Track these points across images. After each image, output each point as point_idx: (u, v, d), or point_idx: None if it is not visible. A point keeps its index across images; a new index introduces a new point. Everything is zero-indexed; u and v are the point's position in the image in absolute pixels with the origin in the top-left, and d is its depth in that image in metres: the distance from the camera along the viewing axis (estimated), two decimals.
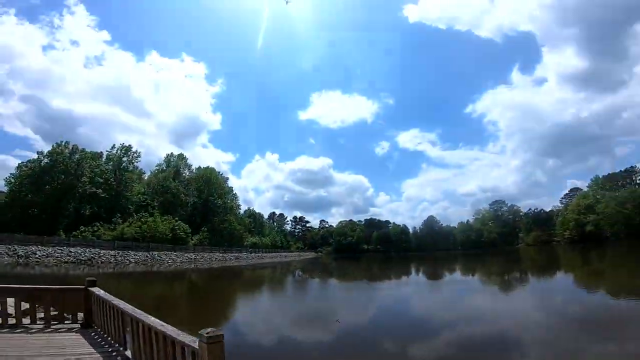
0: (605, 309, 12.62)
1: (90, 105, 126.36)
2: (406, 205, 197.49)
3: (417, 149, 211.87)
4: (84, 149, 44.58)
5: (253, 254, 66.04)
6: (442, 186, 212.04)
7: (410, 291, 23.71)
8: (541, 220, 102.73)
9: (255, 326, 12.47)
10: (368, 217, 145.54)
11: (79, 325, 5.46)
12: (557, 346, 8.46)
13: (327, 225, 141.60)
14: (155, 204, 48.84)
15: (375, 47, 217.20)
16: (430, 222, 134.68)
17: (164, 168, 58.92)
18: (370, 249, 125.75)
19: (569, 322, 11.10)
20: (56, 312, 5.59)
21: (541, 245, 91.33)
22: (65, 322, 5.53)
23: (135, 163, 51.25)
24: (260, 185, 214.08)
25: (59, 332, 5.17)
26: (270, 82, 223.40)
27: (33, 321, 5.33)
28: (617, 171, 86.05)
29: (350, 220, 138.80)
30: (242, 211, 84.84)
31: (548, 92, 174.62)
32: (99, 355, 4.33)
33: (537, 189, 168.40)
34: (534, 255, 64.03)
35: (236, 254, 58.31)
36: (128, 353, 4.37)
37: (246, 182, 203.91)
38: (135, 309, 4.18)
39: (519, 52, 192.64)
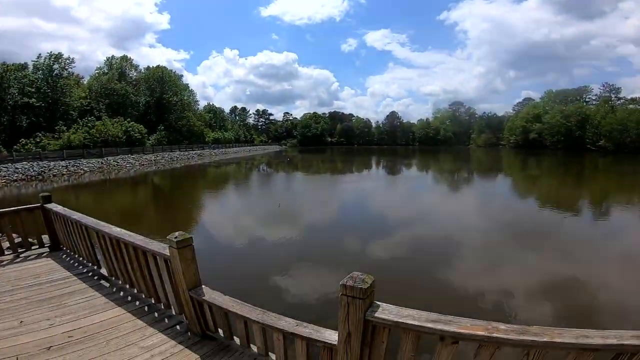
0: (532, 218, 14.82)
1: (1, 20, 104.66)
2: (370, 100, 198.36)
3: (385, 49, 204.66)
4: (4, 62, 37.77)
5: (216, 150, 65.13)
6: (407, 85, 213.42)
7: (371, 186, 25.88)
8: (493, 124, 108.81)
9: (224, 227, 13.23)
10: (332, 110, 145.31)
11: (47, 249, 5.26)
12: (486, 251, 10.11)
13: (291, 118, 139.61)
14: (102, 107, 44.42)
15: None
16: (393, 117, 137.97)
17: (106, 71, 52.90)
18: (334, 142, 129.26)
19: (501, 228, 13.12)
20: (20, 239, 5.33)
21: (489, 147, 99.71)
22: (33, 247, 5.31)
23: (69, 69, 44.64)
24: (219, 81, 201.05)
25: (29, 259, 4.97)
26: None
27: (0, 252, 5.08)
28: (570, 88, 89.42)
29: (315, 112, 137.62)
30: (201, 107, 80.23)
31: (525, 11, 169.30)
32: (75, 277, 4.28)
33: (494, 95, 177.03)
34: (481, 156, 70.18)
35: (198, 151, 57.08)
36: (104, 271, 4.34)
37: (204, 79, 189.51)
38: (99, 222, 4.00)
39: None
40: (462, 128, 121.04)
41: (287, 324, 2.43)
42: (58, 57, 42.72)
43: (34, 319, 3.36)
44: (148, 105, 54.71)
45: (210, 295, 2.93)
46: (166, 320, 3.46)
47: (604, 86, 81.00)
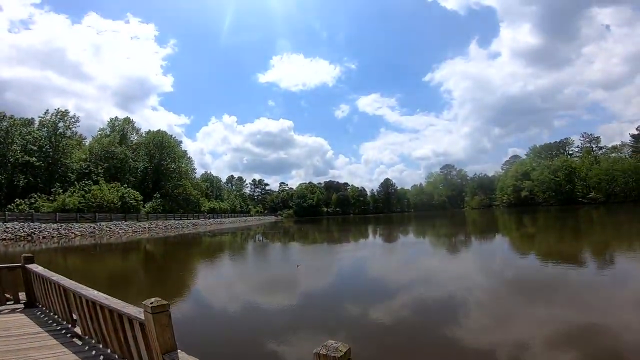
0: (535, 271, 14.35)
1: (16, 69, 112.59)
2: (364, 167, 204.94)
3: (376, 113, 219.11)
4: (12, 115, 39.37)
5: (211, 220, 64.83)
6: (399, 150, 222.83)
7: (368, 254, 25.19)
8: (484, 185, 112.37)
9: (217, 294, 12.58)
10: (327, 180, 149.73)
11: (22, 306, 5.30)
12: (494, 307, 9.52)
13: (287, 188, 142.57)
14: (100, 171, 44.77)
15: (340, 12, 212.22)
16: (387, 185, 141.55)
17: (108, 133, 54.41)
18: (330, 211, 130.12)
19: (504, 285, 12.48)
20: None
21: (483, 209, 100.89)
22: (8, 302, 5.38)
23: (73, 128, 46.26)
24: (217, 148, 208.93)
25: (2, 313, 5.03)
26: (228, 44, 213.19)
27: None
28: (552, 142, 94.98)
29: (310, 182, 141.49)
30: (198, 175, 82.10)
31: (500, 66, 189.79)
32: (46, 333, 4.22)
33: (483, 155, 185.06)
34: (476, 218, 70.43)
35: (193, 221, 56.59)
36: (77, 330, 4.27)
37: (202, 145, 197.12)
38: (78, 284, 4.02)
39: (479, 26, 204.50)
40: (455, 191, 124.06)
41: None
42: (64, 114, 43.77)
43: None
44: (146, 171, 55.59)
45: (186, 359, 2.69)
46: None
47: (583, 136, 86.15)
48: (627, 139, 68.90)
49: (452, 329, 8.00)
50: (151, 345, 2.87)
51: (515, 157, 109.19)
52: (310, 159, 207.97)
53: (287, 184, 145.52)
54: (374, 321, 8.99)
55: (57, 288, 4.44)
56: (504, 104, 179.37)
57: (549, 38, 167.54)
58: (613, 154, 70.23)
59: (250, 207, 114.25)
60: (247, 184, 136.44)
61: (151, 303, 2.71)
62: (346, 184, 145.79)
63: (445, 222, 63.21)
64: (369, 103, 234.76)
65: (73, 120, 45.56)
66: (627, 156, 65.10)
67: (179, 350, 2.85)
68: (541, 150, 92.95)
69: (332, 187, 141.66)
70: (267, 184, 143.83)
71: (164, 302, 2.76)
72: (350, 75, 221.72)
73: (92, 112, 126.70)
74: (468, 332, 7.76)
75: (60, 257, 20.19)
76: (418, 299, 11.03)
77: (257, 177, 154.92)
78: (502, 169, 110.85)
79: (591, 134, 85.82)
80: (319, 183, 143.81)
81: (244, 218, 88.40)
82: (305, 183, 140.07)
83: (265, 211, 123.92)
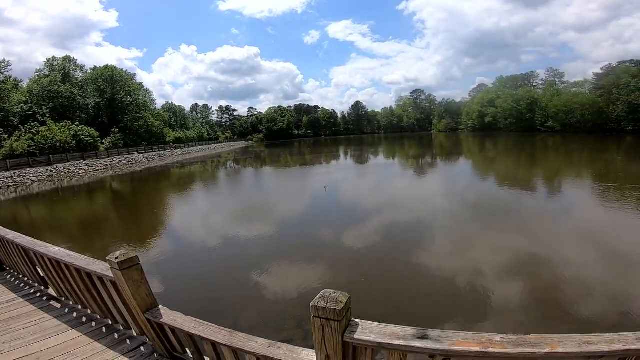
0: (492, 196, 15.71)
1: None
2: (335, 91, 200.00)
3: (347, 40, 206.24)
4: None
5: (179, 150, 62.37)
6: (370, 74, 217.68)
7: (340, 177, 26.01)
8: (452, 110, 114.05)
9: (193, 230, 12.69)
10: (298, 103, 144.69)
11: None
12: (454, 232, 10.55)
13: (256, 113, 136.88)
14: (45, 111, 40.28)
15: None
16: (357, 107, 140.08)
17: (47, 73, 47.96)
18: (301, 134, 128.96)
19: (465, 209, 13.69)
20: None
21: (449, 132, 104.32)
22: None
23: (5, 73, 40.47)
24: (177, 78, 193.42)
25: None
26: None
27: None
28: (518, 74, 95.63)
29: (280, 106, 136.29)
30: (159, 106, 76.14)
31: (478, 1, 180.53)
32: (21, 299, 3.94)
33: (452, 82, 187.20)
34: (443, 141, 73.03)
35: (159, 153, 54.28)
36: (51, 291, 4.03)
37: (160, 77, 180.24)
38: (36, 241, 3.62)
39: None
40: (423, 115, 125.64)
41: (258, 345, 2.15)
42: None
43: None
44: (99, 107, 50.71)
45: (170, 317, 2.60)
46: (128, 341, 3.13)
47: (548, 71, 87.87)
48: (590, 77, 70.42)
49: (416, 253, 8.68)
50: (128, 303, 2.72)
51: (482, 85, 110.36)
52: (279, 84, 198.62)
53: (255, 109, 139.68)
54: (347, 247, 9.52)
55: (16, 248, 3.98)
56: (476, 37, 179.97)
57: None
58: (574, 89, 72.20)
59: (218, 134, 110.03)
60: (213, 111, 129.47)
61: (116, 258, 2.41)
62: (317, 106, 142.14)
63: (413, 144, 65.08)
64: (340, 30, 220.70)
65: (3, 65, 39.90)
66: (587, 92, 67.35)
67: (160, 307, 2.73)
68: (507, 80, 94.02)
69: (303, 110, 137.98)
70: (235, 110, 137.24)
71: (132, 254, 2.48)
72: (320, 1, 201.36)
73: (24, 55, 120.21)
74: (430, 256, 8.45)
75: (23, 208, 19.01)
76: (386, 224, 11.70)
77: (224, 103, 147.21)
78: (469, 96, 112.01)
79: (556, 69, 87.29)
80: (289, 106, 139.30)
81: (213, 145, 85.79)
82: (274, 107, 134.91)
83: (235, 137, 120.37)
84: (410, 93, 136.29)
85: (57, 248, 3.36)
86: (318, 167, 35.19)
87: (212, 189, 24.25)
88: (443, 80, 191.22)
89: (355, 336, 1.62)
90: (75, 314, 3.61)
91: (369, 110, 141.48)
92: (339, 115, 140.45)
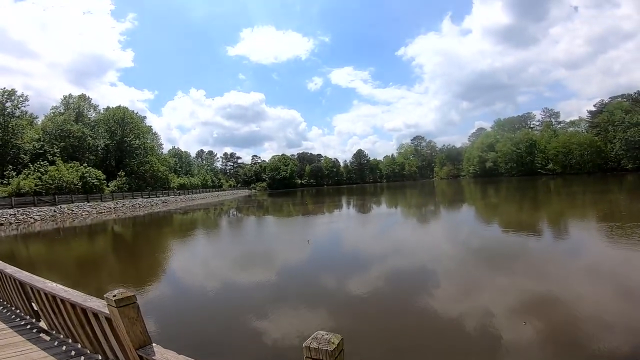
0: (498, 241, 15.43)
1: None
2: (337, 139, 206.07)
3: (349, 86, 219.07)
4: None
5: (182, 196, 62.74)
6: (371, 121, 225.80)
7: (342, 226, 25.70)
8: (452, 156, 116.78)
9: (192, 274, 12.46)
10: (301, 151, 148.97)
11: None
12: (460, 276, 10.16)
13: (259, 161, 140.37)
14: (56, 150, 41.27)
15: None
16: (360, 155, 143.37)
17: (62, 111, 49.87)
18: (304, 183, 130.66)
19: (470, 254, 13.28)
20: None
21: (451, 179, 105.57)
22: None
23: (22, 108, 41.58)
24: (185, 122, 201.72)
25: None
26: (193, 16, 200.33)
27: None
28: (515, 116, 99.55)
29: (283, 154, 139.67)
30: (165, 151, 78.63)
31: (471, 43, 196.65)
32: (10, 329, 3.99)
33: (451, 127, 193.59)
34: (445, 188, 73.56)
35: (163, 198, 54.53)
36: (43, 324, 4.05)
37: (169, 120, 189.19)
38: (34, 276, 3.71)
39: (453, 1, 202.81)
40: (424, 162, 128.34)
41: None
42: (11, 94, 39.55)
43: None
44: (107, 149, 52.09)
45: (163, 354, 2.53)
46: None
47: (544, 111, 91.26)
48: (585, 115, 73.08)
49: (422, 298, 8.41)
50: (122, 340, 2.69)
51: (481, 129, 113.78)
52: (282, 131, 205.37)
53: (259, 157, 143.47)
54: (351, 293, 9.27)
55: (13, 281, 4.10)
56: (472, 79, 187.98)
57: (519, 17, 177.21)
58: (570, 128, 74.51)
59: (222, 181, 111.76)
60: (218, 158, 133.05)
61: (114, 296, 2.45)
62: (319, 155, 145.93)
63: (415, 192, 65.52)
64: (342, 76, 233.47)
65: (21, 99, 40.86)
66: (583, 131, 69.26)
67: (154, 344, 2.68)
68: (505, 123, 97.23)
69: (306, 158, 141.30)
70: (239, 157, 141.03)
71: (129, 293, 2.53)
72: (323, 48, 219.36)
73: (43, 90, 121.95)
74: (436, 300, 8.19)
75: (22, 245, 19.04)
76: (390, 270, 11.47)
77: (229, 150, 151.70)
78: (469, 141, 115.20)
79: (551, 109, 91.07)
80: (292, 155, 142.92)
81: (217, 193, 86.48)
82: (278, 155, 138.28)
83: (239, 184, 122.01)
84: (411, 140, 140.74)
85: (54, 284, 3.40)
86: (320, 217, 35.17)
87: (212, 236, 24.10)
88: (442, 125, 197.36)
89: None
90: (64, 347, 3.61)
91: (371, 158, 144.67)
92: (342, 164, 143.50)
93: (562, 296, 7.62)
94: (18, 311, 4.54)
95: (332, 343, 1.61)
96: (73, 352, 3.50)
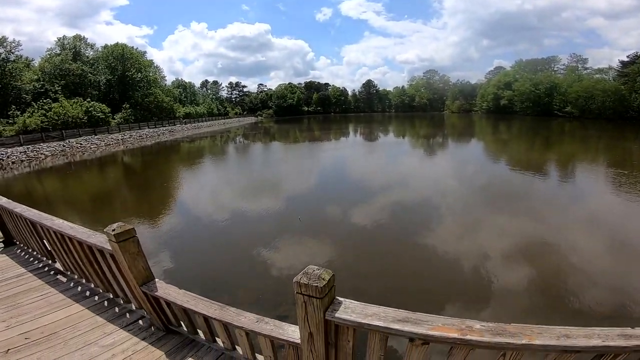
0: (503, 179, 15.48)
1: None
2: (346, 69, 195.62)
3: (360, 17, 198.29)
4: None
5: (188, 125, 62.29)
6: (383, 53, 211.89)
7: (348, 154, 25.90)
8: (466, 91, 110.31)
9: (203, 203, 12.94)
10: (308, 80, 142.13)
11: (2, 245, 4.98)
12: (462, 213, 10.55)
13: (265, 89, 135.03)
14: (57, 88, 40.29)
15: None
16: (369, 85, 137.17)
17: (58, 52, 47.56)
18: (310, 111, 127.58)
19: (475, 190, 13.61)
20: None
21: (462, 113, 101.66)
22: None
23: (16, 52, 39.98)
24: (188, 55, 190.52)
25: None
26: None
27: None
28: (539, 58, 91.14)
29: (290, 83, 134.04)
30: (169, 82, 75.82)
31: None
32: (30, 274, 4.09)
33: (468, 63, 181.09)
34: (455, 121, 71.39)
35: (169, 127, 54.27)
36: (59, 265, 4.16)
37: (171, 54, 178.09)
38: (42, 214, 3.67)
39: None
40: (436, 95, 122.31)
41: (247, 320, 2.21)
42: (2, 40, 38.24)
43: None
44: (110, 84, 50.74)
45: (165, 290, 2.68)
46: (127, 315, 3.27)
47: (571, 56, 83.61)
48: (616, 65, 66.55)
49: (420, 234, 8.69)
50: (125, 276, 2.78)
51: (500, 68, 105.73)
52: (289, 61, 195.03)
53: (265, 86, 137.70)
54: (353, 223, 9.60)
55: (24, 221, 4.04)
56: (497, 19, 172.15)
57: None
58: (597, 75, 68.63)
59: (228, 109, 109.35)
60: (223, 87, 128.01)
61: (113, 230, 2.43)
62: (327, 84, 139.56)
63: (424, 124, 63.77)
64: (353, 7, 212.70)
65: (14, 44, 39.22)
66: (610, 79, 63.96)
67: (156, 280, 2.81)
68: (527, 64, 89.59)
69: (313, 87, 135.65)
70: (244, 86, 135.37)
71: (128, 227, 2.49)
72: None
73: (36, 35, 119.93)
74: (433, 237, 8.45)
75: (36, 182, 19.37)
76: (394, 202, 11.69)
77: (234, 80, 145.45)
78: (485, 78, 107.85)
79: (579, 55, 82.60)
80: (299, 83, 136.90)
81: (223, 120, 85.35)
82: (284, 84, 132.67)
83: (245, 112, 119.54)
84: (424, 73, 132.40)
85: (61, 221, 3.37)
86: (326, 144, 35.04)
87: (219, 163, 24.46)
88: (459, 61, 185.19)
89: (337, 315, 1.64)
90: (79, 288, 3.75)
91: (380, 89, 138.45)
92: (350, 93, 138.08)
93: (556, 244, 7.74)
94: (35, 253, 4.58)
95: (322, 279, 1.59)
96: (87, 292, 3.67)
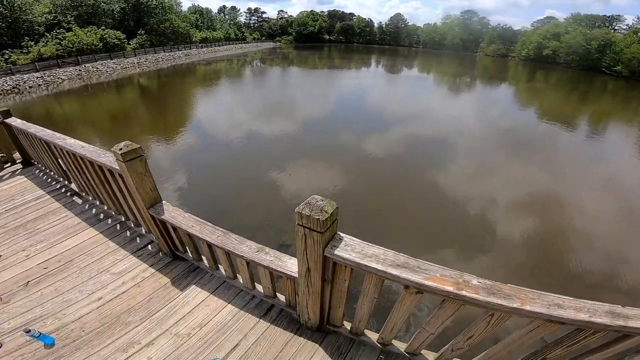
0: (528, 126, 14.72)
1: None
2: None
3: None
4: None
5: (204, 49, 59.90)
6: None
7: (368, 83, 25.00)
8: (506, 36, 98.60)
9: (217, 123, 13.16)
10: (332, 9, 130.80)
11: (20, 166, 5.06)
12: (478, 155, 10.40)
13: (286, 16, 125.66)
14: (70, 19, 38.48)
15: None
16: (397, 19, 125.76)
17: None
18: (332, 39, 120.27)
19: (495, 134, 13.21)
20: None
21: (498, 57, 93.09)
22: (6, 166, 5.11)
23: None
24: None
25: (3, 180, 4.74)
26: None
27: None
28: (600, 14, 79.10)
29: (312, 10, 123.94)
30: (185, 8, 71.37)
31: None
32: (48, 196, 4.20)
33: (514, 8, 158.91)
34: (488, 64, 66.16)
35: (185, 51, 52.43)
36: (74, 186, 4.24)
37: None
38: (55, 133, 3.63)
39: None
40: (471, 36, 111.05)
41: (248, 249, 2.24)
42: None
43: (11, 251, 3.29)
44: (124, 11, 48.35)
45: (171, 213, 2.67)
46: (138, 239, 3.40)
47: (638, 18, 72.74)
48: None
49: (432, 171, 8.57)
50: (133, 198, 2.76)
51: (551, 18, 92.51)
52: None
53: (286, 12, 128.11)
54: (364, 153, 9.53)
55: (39, 141, 4.01)
56: None
57: None
58: None
59: (246, 34, 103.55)
60: (241, 13, 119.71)
61: (120, 149, 2.32)
62: (352, 14, 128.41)
63: (453, 63, 59.43)
64: None
65: None
66: None
67: (164, 202, 2.81)
68: (584, 18, 77.92)
69: (337, 16, 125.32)
70: (264, 12, 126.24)
71: (135, 145, 2.38)
72: None
73: None
74: (445, 176, 8.33)
75: (55, 104, 19.49)
76: (409, 136, 11.43)
77: (253, 5, 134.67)
78: (532, 26, 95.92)
79: None
80: (322, 12, 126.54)
81: (240, 45, 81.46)
82: (306, 11, 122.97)
83: (263, 38, 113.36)
84: (461, 13, 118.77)
85: (73, 140, 3.32)
86: (346, 72, 33.60)
87: (235, 85, 24.07)
88: (504, 5, 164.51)
89: (336, 252, 1.59)
90: (94, 211, 3.88)
91: (410, 23, 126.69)
92: (376, 25, 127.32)
93: (565, 201, 7.55)
94: (52, 173, 4.62)
95: (325, 212, 1.50)
96: (101, 215, 3.79)
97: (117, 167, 2.61)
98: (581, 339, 1.33)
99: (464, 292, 1.37)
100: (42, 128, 3.96)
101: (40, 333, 2.26)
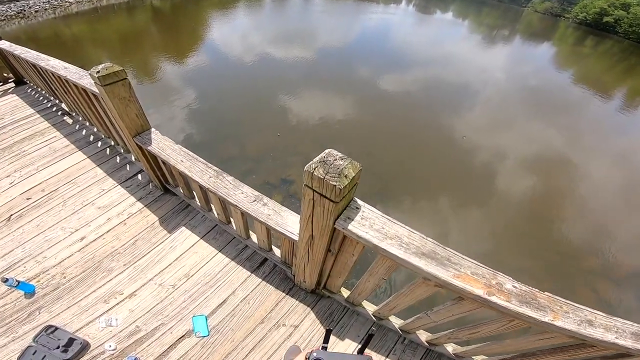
0: (558, 88, 13.73)
1: None
2: None
3: None
4: None
5: None
6: None
7: (394, 20, 23.82)
8: None
9: (230, 47, 12.75)
10: None
11: (13, 85, 4.91)
12: (498, 108, 9.86)
13: None
14: None
15: None
16: None
17: None
18: None
19: (521, 91, 12.28)
20: None
21: (548, 16, 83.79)
22: None
23: None
24: None
25: None
26: None
27: None
28: None
29: None
30: None
31: None
32: (38, 115, 4.06)
33: None
34: (533, 19, 59.94)
35: None
36: (65, 106, 4.12)
37: None
38: (40, 55, 3.37)
39: None
40: None
41: (243, 197, 1.87)
42: None
43: None
44: None
45: (159, 144, 2.30)
46: (128, 167, 3.13)
47: None
48: None
49: (450, 118, 8.14)
50: (117, 124, 2.42)
51: None
52: None
53: None
54: (380, 90, 9.08)
55: (26, 63, 3.77)
56: None
57: None
58: None
59: None
60: None
61: (98, 72, 1.94)
62: None
63: (494, 14, 54.16)
64: None
65: None
66: None
67: (152, 130, 2.43)
68: None
69: None
70: None
71: (117, 68, 2.01)
72: None
73: None
74: (461, 126, 7.93)
75: (64, 28, 18.37)
76: (429, 78, 10.84)
77: None
78: None
79: None
80: None
81: None
82: None
83: None
84: None
85: (57, 61, 2.98)
86: (374, 6, 31.41)
87: (255, 9, 22.81)
88: None
89: (350, 227, 1.21)
90: (84, 132, 3.61)
91: None
92: None
93: (578, 170, 7.12)
94: (44, 92, 4.41)
95: (345, 177, 1.05)
96: (92, 137, 3.52)
97: (97, 91, 2.27)
98: (586, 353, 1.15)
99: (494, 299, 1.07)
100: (27, 50, 3.70)
101: (19, 282, 2.07)
